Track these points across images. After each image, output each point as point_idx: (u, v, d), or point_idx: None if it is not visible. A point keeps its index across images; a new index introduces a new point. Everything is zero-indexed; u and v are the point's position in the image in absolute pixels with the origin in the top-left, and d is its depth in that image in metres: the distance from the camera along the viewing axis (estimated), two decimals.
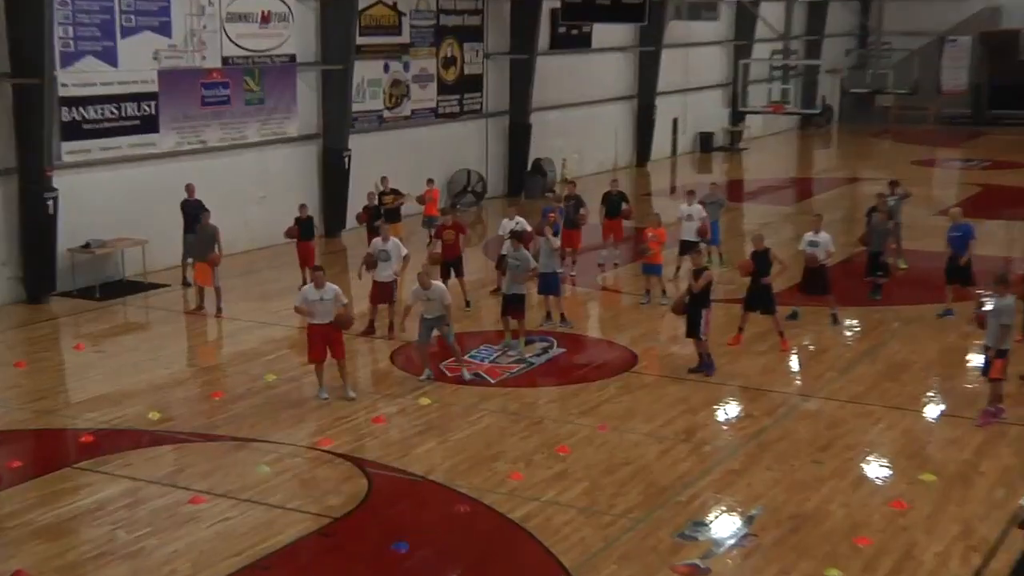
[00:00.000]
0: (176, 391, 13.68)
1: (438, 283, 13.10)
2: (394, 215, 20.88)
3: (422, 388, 13.53)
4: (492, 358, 14.73)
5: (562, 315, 16.12)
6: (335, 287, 12.68)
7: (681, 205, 19.38)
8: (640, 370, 14.44)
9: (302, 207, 19.04)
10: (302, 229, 18.44)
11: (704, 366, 13.77)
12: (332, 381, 13.32)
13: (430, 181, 22.61)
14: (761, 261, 14.87)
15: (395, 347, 15.37)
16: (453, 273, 16.99)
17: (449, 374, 14.06)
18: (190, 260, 17.65)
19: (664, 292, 17.68)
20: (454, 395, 13.33)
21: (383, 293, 15.51)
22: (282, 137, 23.07)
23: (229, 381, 14.04)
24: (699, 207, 18.94)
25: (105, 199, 19.32)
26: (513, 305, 14.78)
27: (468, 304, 17.04)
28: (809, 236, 16.02)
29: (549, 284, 15.76)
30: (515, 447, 11.65)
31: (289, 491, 10.51)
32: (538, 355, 14.90)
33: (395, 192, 21.22)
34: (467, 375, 13.35)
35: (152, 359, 15.00)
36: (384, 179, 21.35)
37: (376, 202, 20.25)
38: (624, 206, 20.51)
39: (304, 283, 18.16)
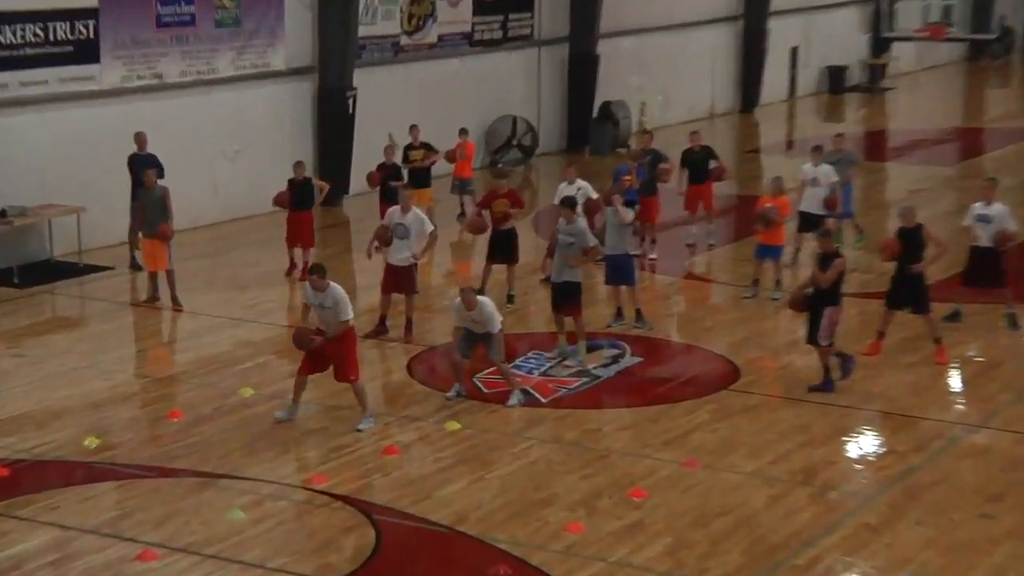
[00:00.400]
0: (120, 409, 13.88)
1: (486, 301, 13.54)
2: (422, 178, 21.07)
3: (450, 408, 13.78)
4: (543, 369, 15.04)
5: (638, 312, 16.36)
6: (339, 291, 12.95)
7: (804, 165, 19.56)
8: (743, 387, 14.67)
9: (298, 165, 19.29)
10: (295, 194, 18.73)
11: (826, 383, 13.73)
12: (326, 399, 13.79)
13: (463, 132, 23.01)
14: (911, 241, 15.03)
15: (414, 353, 15.62)
16: (499, 256, 17.21)
17: (486, 390, 14.31)
18: (141, 235, 18.00)
19: (779, 283, 17.95)
20: (492, 419, 13.57)
21: (398, 280, 15.78)
22: (265, 71, 23.41)
23: (191, 397, 14.29)
24: (828, 169, 18.91)
25: (28, 152, 19.65)
26: (566, 297, 14.93)
27: (511, 299, 17.35)
28: (978, 208, 16.32)
29: (620, 270, 15.95)
30: (573, 489, 11.85)
31: (271, 545, 10.64)
32: (605, 366, 15.19)
33: (427, 147, 21.33)
34: (517, 399, 13.60)
35: (89, 366, 15.22)
36: (414, 129, 21.50)
37: (396, 159, 20.32)
38: (712, 164, 20.57)
39: (292, 267, 18.58)
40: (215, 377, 14.77)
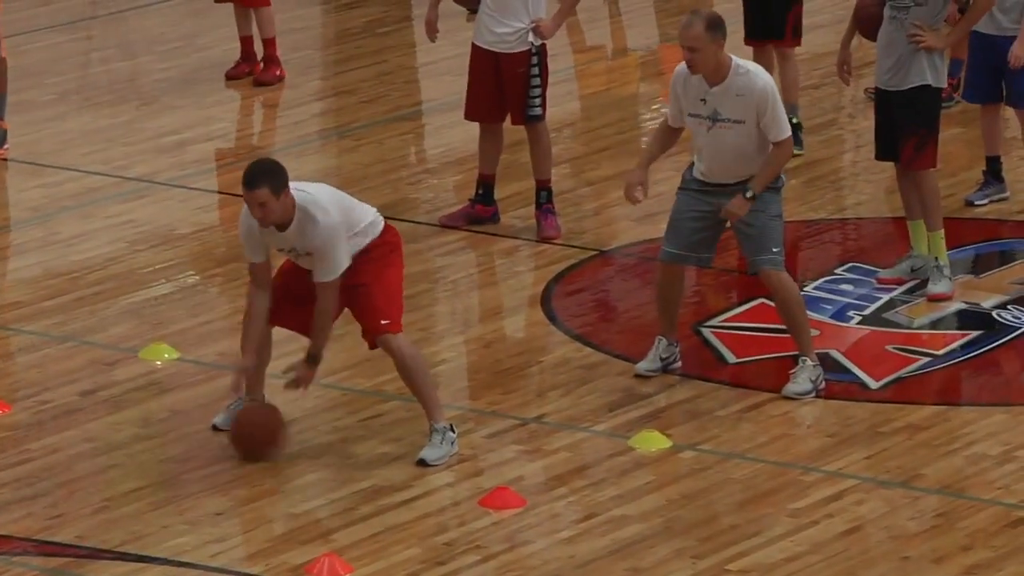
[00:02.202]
0: None
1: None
2: None
3: (640, 405, 8.97)
4: (874, 307, 9.97)
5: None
6: (328, 222, 8.34)
7: None
8: None
9: None
10: None
11: None
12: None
13: None
14: None
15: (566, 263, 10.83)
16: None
17: (733, 356, 9.83)
18: None
19: None
20: (746, 426, 8.79)
21: (497, 88, 10.72)
22: None
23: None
24: None
25: None
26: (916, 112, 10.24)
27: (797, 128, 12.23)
28: None
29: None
30: None
31: None
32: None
33: None
34: (806, 381, 9.37)
35: None
36: None
37: None
38: None
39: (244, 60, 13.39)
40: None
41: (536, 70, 10.06)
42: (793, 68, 11.65)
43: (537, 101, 10.10)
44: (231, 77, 12.63)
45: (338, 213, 7.63)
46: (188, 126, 12.59)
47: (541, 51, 10.17)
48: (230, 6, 12.40)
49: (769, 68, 11.36)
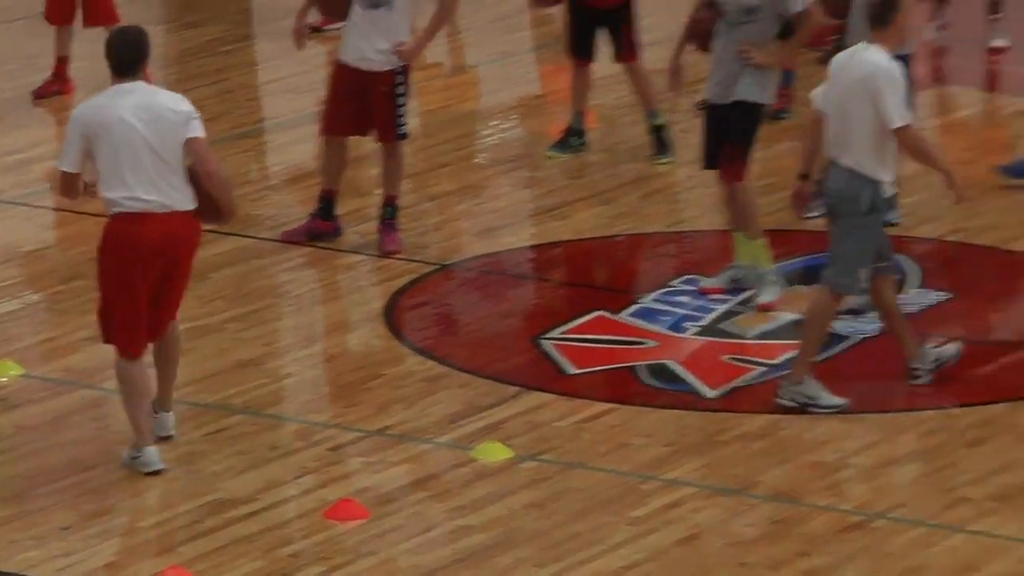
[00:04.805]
0: None
1: None
2: None
3: (481, 416, 9.15)
4: (711, 317, 10.42)
5: None
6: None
7: None
8: None
9: None
10: None
11: None
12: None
13: None
14: None
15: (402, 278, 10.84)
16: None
17: (572, 367, 10.15)
18: None
19: None
20: (587, 434, 9.07)
21: (361, 104, 10.76)
22: None
23: None
24: None
25: None
26: (732, 129, 10.68)
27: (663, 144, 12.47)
28: None
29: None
30: None
31: None
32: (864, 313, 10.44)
33: None
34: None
35: None
36: None
37: None
38: None
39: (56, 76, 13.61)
40: None
41: (401, 89, 10.32)
42: (643, 78, 12.04)
43: (404, 120, 10.37)
44: (40, 96, 12.66)
45: None
46: (32, 145, 12.59)
47: (405, 71, 10.41)
48: (67, 26, 12.31)
49: (586, 87, 12.07)
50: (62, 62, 12.36)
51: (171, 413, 8.21)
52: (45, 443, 8.46)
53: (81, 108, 8.10)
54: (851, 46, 9.45)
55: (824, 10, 10.82)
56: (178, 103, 7.97)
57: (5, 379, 9.06)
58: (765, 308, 10.28)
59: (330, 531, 7.45)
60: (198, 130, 7.90)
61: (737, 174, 10.25)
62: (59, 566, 7.47)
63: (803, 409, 8.93)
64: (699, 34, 10.68)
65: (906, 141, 9.04)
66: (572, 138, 12.31)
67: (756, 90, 10.56)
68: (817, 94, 9.22)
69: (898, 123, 8.67)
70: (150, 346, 8.00)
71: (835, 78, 8.88)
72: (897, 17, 8.94)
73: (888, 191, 9.24)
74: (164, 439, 8.20)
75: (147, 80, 8.08)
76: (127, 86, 7.84)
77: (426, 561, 7.13)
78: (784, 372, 9.39)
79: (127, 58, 8.09)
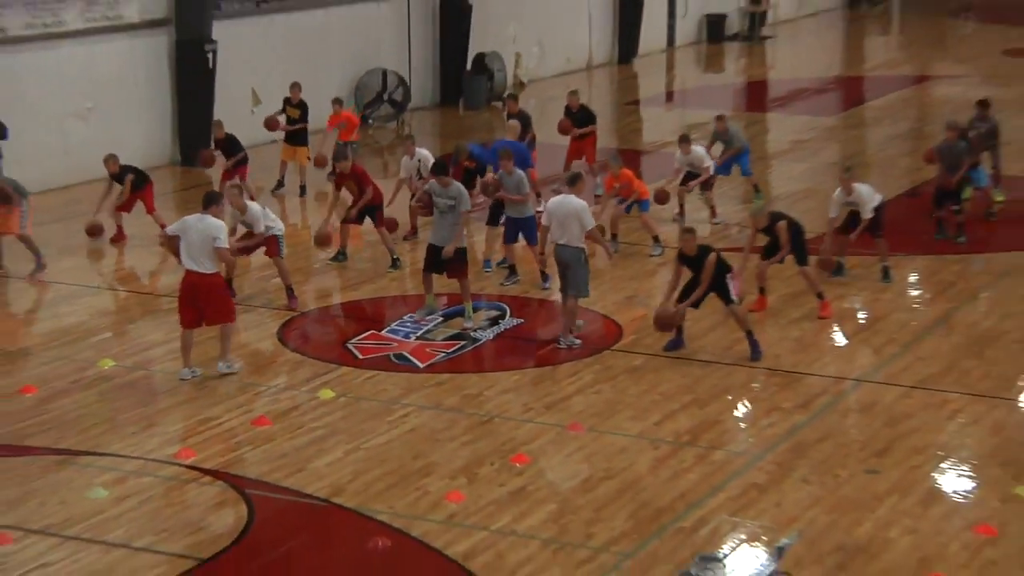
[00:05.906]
0: None
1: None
2: (299, 136, 21.41)
3: (322, 377, 13.82)
4: (419, 333, 15.19)
5: (512, 267, 16.72)
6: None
7: (676, 155, 19.33)
8: (626, 347, 14.72)
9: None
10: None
11: (755, 348, 14.18)
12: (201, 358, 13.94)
13: (337, 102, 22.80)
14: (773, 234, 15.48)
15: (284, 319, 15.74)
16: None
17: (360, 356, 14.38)
18: None
19: (657, 240, 18.09)
20: (368, 385, 13.65)
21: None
22: (117, 24, 23.12)
23: (46, 371, 14.12)
24: (701, 151, 19.07)
25: None
26: (452, 261, 15.12)
27: (395, 263, 17.41)
28: (839, 198, 16.53)
29: (529, 230, 16.38)
30: (453, 457, 11.94)
31: (136, 524, 10.57)
32: (483, 328, 15.36)
33: (302, 110, 21.44)
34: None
35: None
36: (294, 87, 21.63)
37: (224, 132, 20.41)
38: (590, 127, 21.09)
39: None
40: (71, 349, 14.63)
41: None
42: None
43: None
44: None
45: None
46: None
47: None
48: None
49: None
50: None
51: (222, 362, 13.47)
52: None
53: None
54: None
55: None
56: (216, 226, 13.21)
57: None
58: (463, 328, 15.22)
59: None
60: (223, 242, 13.30)
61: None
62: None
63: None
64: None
65: None
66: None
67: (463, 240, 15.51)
68: None
69: None
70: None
71: None
72: None
73: None
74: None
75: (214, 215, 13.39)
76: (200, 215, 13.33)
77: None
78: (454, 354, 14.47)
79: (204, 200, 13.62)
